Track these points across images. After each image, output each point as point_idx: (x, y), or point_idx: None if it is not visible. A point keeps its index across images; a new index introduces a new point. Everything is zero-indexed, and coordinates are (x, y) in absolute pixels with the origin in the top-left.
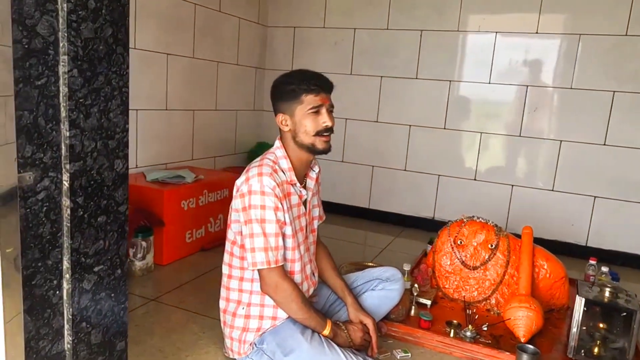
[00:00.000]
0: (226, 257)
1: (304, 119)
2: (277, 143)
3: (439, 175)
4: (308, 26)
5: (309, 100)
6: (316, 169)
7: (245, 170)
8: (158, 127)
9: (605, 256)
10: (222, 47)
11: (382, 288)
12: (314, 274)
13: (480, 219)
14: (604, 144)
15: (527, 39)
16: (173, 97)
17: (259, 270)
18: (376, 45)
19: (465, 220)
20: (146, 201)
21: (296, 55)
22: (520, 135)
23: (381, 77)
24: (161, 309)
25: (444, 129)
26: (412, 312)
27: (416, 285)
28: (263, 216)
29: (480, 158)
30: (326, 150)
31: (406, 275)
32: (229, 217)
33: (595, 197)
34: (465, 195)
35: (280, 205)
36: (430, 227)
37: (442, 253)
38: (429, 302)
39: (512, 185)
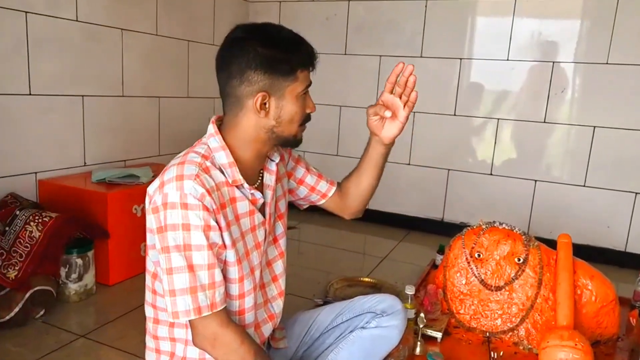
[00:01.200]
0: (148, 296)
1: (295, 103)
2: (211, 128)
3: (449, 169)
4: (296, 0)
5: (304, 78)
6: (276, 157)
7: (161, 172)
8: (112, 116)
9: None
10: (195, 24)
11: (375, 325)
12: (270, 305)
13: (504, 225)
14: None
15: (552, 6)
16: (131, 82)
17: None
18: (374, 20)
19: (484, 227)
20: (87, 207)
21: None
22: (544, 122)
23: (380, 56)
24: (90, 348)
25: (454, 115)
26: (418, 350)
27: (422, 314)
28: (187, 241)
29: (497, 149)
30: (300, 142)
31: (410, 301)
32: (146, 240)
33: (636, 193)
34: (479, 192)
35: (213, 223)
36: (439, 230)
37: (455, 269)
38: (439, 335)
39: (535, 181)
